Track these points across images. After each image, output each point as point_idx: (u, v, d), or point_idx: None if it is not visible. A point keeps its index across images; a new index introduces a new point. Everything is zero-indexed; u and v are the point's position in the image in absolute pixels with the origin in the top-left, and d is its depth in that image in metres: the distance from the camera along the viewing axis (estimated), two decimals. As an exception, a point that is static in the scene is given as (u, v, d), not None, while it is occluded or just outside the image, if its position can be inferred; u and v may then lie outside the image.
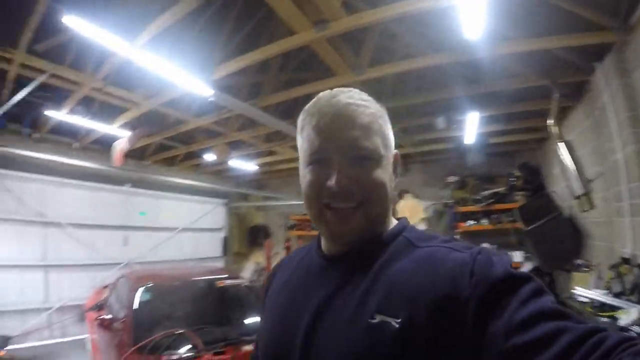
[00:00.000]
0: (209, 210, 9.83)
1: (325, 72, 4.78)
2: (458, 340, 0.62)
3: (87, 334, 5.61)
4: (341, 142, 0.75)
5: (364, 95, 0.82)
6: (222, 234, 10.28)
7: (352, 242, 0.79)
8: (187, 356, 3.17)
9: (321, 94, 0.83)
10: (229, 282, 4.49)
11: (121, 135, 5.99)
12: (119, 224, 7.66)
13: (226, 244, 10.25)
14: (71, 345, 6.18)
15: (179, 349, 3.28)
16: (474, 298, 0.63)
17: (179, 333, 3.44)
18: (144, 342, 3.35)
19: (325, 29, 3.61)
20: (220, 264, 9.63)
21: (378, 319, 0.68)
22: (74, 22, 3.18)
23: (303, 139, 0.82)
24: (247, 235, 10.68)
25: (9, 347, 5.25)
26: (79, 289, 6.68)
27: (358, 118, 0.76)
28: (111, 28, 3.36)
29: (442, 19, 3.78)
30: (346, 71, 4.41)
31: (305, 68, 6.37)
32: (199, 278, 4.45)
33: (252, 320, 3.81)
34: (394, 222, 0.85)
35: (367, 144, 0.75)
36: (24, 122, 5.93)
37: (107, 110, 5.73)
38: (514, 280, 0.65)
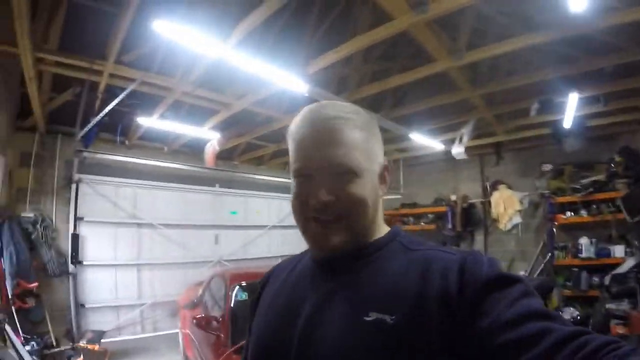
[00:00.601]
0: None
1: (415, 61, 4.52)
2: (449, 336, 0.64)
3: (178, 330, 5.81)
4: (321, 160, 0.77)
5: (349, 108, 0.82)
6: None
7: (336, 252, 0.79)
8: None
9: (306, 107, 0.84)
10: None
11: (211, 137, 6.12)
12: (209, 223, 7.87)
13: None
14: (162, 339, 6.45)
15: None
16: (464, 296, 0.65)
17: None
18: (244, 343, 3.33)
19: (424, 12, 3.36)
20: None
21: (373, 316, 0.70)
22: (163, 27, 3.17)
23: (290, 151, 0.83)
24: None
25: (103, 341, 5.54)
26: (170, 286, 6.96)
27: (338, 134, 0.77)
28: (201, 30, 3.32)
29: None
30: (444, 57, 4.12)
31: (393, 57, 6.17)
32: None
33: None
34: (386, 229, 0.86)
35: (346, 160, 0.76)
36: (116, 130, 6.25)
37: (197, 113, 5.87)
38: (503, 280, 0.67)
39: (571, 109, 5.11)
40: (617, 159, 6.20)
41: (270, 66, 3.83)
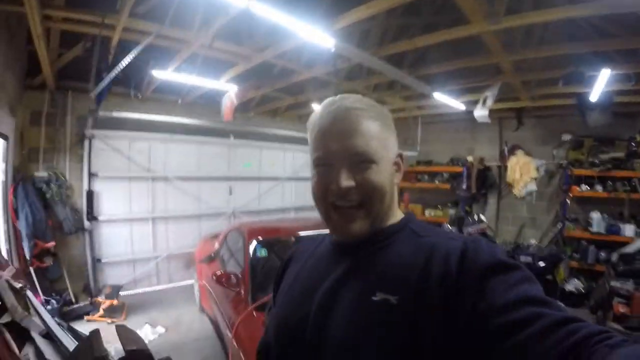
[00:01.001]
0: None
1: (439, 17, 4.20)
2: (449, 317, 0.67)
3: (194, 281, 5.95)
4: (341, 148, 0.82)
5: (366, 100, 0.88)
6: None
7: (356, 238, 0.86)
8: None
9: (326, 100, 0.90)
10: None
11: (228, 90, 5.94)
12: (223, 175, 7.84)
13: None
14: (177, 291, 6.67)
15: None
16: (463, 281, 0.69)
17: None
18: (263, 301, 3.38)
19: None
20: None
21: (379, 296, 0.76)
22: None
23: (310, 141, 0.90)
24: None
25: (120, 294, 5.71)
26: (184, 238, 7.08)
27: (357, 124, 0.83)
28: None
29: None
30: (480, 19, 3.88)
31: (416, 13, 5.88)
32: (310, 232, 4.32)
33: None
34: (400, 215, 0.92)
35: (366, 149, 0.82)
36: (129, 83, 6.04)
37: (213, 65, 5.64)
38: (502, 266, 0.70)
39: (601, 83, 4.93)
40: (639, 138, 6.07)
41: (295, 18, 3.61)
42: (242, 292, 3.75)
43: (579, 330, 0.56)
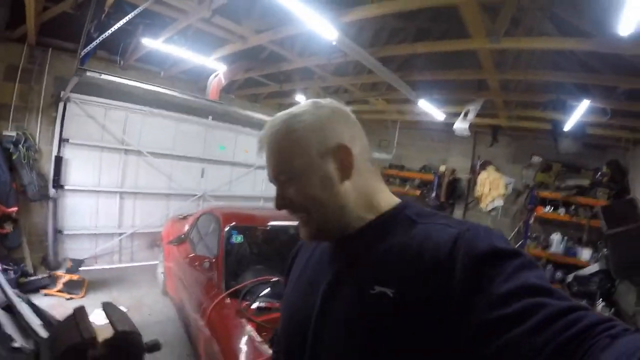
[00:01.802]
0: None
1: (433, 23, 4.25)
2: (445, 309, 0.66)
3: (159, 262, 5.77)
4: (270, 172, 0.90)
5: (277, 120, 0.90)
6: None
7: (323, 238, 0.93)
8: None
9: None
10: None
11: (215, 68, 5.77)
12: (197, 156, 7.65)
13: None
14: (139, 270, 6.41)
15: (258, 294, 3.22)
16: (459, 270, 0.67)
17: (274, 281, 3.38)
18: (238, 287, 3.33)
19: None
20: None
21: (377, 289, 0.75)
22: None
23: None
24: None
25: (80, 269, 5.44)
26: (152, 216, 6.86)
27: (272, 150, 0.88)
28: None
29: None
30: (482, 36, 3.98)
31: (411, 17, 5.90)
32: (282, 222, 4.31)
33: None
34: (394, 202, 0.90)
35: (288, 168, 0.86)
36: (114, 48, 5.75)
37: (204, 41, 5.43)
38: (499, 254, 0.67)
39: (578, 113, 5.22)
40: (605, 169, 6.57)
41: (307, 5, 3.54)
42: (215, 277, 3.66)
43: (581, 320, 0.55)
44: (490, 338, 0.60)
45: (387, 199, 0.91)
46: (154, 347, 2.04)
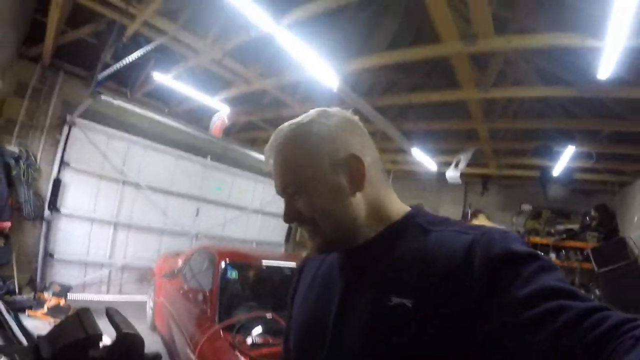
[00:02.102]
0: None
1: (427, 79, 4.53)
2: (465, 316, 0.64)
3: (149, 297, 5.66)
4: (278, 184, 0.87)
5: (285, 129, 0.88)
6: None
7: (332, 250, 0.90)
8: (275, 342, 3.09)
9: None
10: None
11: (219, 109, 5.97)
12: (193, 194, 7.71)
13: (290, 231, 10.15)
14: (127, 304, 6.22)
15: (251, 330, 3.23)
16: (476, 275, 0.65)
17: (267, 317, 3.39)
18: (232, 321, 3.32)
19: (472, 45, 3.51)
20: (281, 250, 9.66)
21: (394, 301, 0.73)
22: None
23: None
24: None
25: (68, 295, 5.30)
26: (143, 250, 6.79)
27: (280, 160, 0.86)
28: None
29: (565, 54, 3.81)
30: (471, 87, 4.29)
31: (406, 70, 6.25)
32: (276, 262, 4.37)
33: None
34: (403, 211, 0.88)
35: (297, 178, 0.84)
36: (125, 81, 5.95)
37: (211, 80, 5.68)
38: (516, 257, 0.66)
39: (564, 159, 5.49)
40: (593, 213, 6.78)
41: (309, 52, 3.77)
42: (209, 310, 3.65)
43: (605, 321, 0.53)
44: (513, 342, 0.59)
45: (398, 208, 0.88)
46: (156, 357, 2.02)
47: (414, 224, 0.82)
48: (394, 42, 4.76)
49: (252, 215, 8.82)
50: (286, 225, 10.02)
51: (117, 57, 4.63)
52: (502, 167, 7.09)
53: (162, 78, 5.24)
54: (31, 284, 5.49)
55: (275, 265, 4.32)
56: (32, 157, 5.43)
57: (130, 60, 4.57)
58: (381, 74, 5.90)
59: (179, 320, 4.05)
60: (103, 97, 4.72)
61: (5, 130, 5.29)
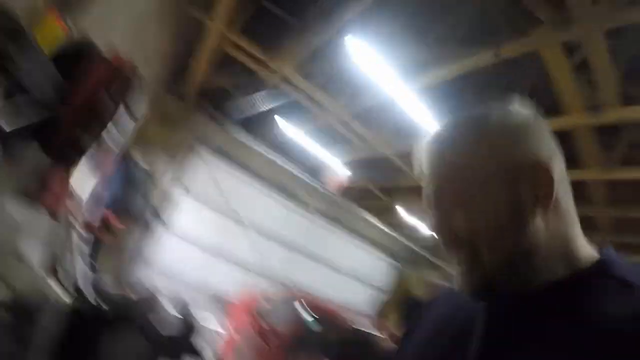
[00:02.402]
0: (378, 266, 9.68)
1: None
2: None
3: (218, 326, 5.74)
4: (429, 191, 0.69)
5: (480, 112, 0.68)
6: (379, 294, 9.82)
7: (493, 289, 0.63)
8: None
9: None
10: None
11: (338, 169, 6.15)
12: (292, 244, 7.95)
13: (381, 307, 9.82)
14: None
15: None
16: None
17: None
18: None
19: (597, 115, 3.28)
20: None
21: None
22: (354, 45, 3.20)
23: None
24: (404, 305, 9.60)
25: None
26: (229, 284, 6.95)
27: (451, 153, 0.67)
28: (390, 62, 3.37)
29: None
30: (594, 165, 3.92)
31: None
32: (361, 329, 4.29)
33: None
34: (591, 256, 0.62)
35: (462, 185, 0.64)
36: (254, 128, 6.45)
37: (336, 142, 5.90)
38: None
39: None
40: None
41: (434, 119, 3.75)
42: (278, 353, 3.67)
43: None
44: None
45: (586, 249, 0.64)
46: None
47: (610, 277, 0.59)
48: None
49: (345, 279, 8.72)
50: (376, 298, 9.76)
51: (252, 105, 5.04)
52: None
53: (292, 131, 5.62)
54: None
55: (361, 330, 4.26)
56: (155, 175, 5.93)
57: (264, 109, 4.94)
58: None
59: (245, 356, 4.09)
60: (233, 136, 5.03)
61: (140, 149, 5.72)
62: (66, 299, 1.66)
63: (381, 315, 9.63)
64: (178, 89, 6.13)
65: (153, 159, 6.00)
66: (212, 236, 7.00)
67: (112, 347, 1.59)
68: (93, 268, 4.00)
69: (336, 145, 5.97)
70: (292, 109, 5.59)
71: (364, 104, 4.45)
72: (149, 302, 2.83)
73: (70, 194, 2.93)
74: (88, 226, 3.58)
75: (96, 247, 4.78)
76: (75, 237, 2.79)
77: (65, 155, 2.43)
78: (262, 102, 4.96)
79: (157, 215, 6.08)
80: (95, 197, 4.53)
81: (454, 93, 4.31)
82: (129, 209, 5.53)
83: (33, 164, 2.19)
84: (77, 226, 2.97)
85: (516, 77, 4.87)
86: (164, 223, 6.27)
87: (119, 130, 2.84)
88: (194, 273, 6.86)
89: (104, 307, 2.01)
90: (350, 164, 6.06)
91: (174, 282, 6.61)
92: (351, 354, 3.93)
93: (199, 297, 6.85)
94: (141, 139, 5.74)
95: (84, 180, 4.20)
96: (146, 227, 5.96)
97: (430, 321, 0.78)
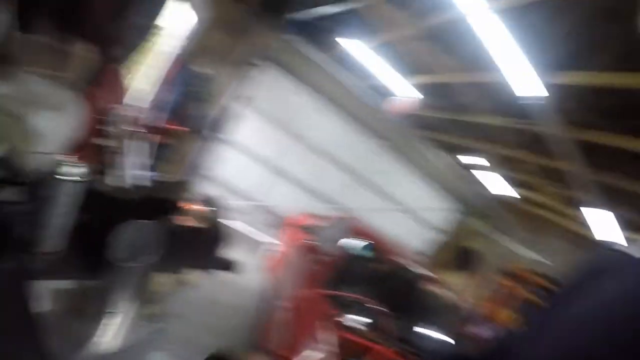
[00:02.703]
0: (438, 207, 9.24)
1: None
2: None
3: (268, 241, 5.92)
4: None
5: None
6: (434, 235, 9.53)
7: None
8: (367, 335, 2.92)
9: None
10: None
11: (404, 92, 5.74)
12: (350, 169, 7.78)
13: (435, 250, 9.60)
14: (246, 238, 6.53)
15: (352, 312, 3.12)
16: None
17: (379, 310, 3.27)
18: (338, 293, 3.29)
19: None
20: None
21: None
22: None
23: None
24: (458, 255, 9.58)
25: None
26: (285, 200, 7.13)
27: None
28: None
29: None
30: None
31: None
32: (410, 268, 4.15)
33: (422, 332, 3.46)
34: None
35: None
36: (315, 38, 6.12)
37: (404, 63, 5.46)
38: None
39: None
40: None
41: (515, 50, 3.24)
42: (323, 274, 3.67)
43: None
44: None
45: None
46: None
47: None
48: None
49: (401, 214, 8.46)
50: (433, 237, 9.52)
51: (316, 17, 4.68)
52: None
53: (356, 45, 5.21)
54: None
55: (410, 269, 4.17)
56: (212, 83, 5.80)
57: (328, 23, 4.61)
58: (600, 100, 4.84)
59: (292, 270, 4.15)
60: (297, 50, 4.82)
61: (202, 58, 5.65)
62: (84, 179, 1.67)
63: (433, 259, 9.37)
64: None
65: (215, 68, 5.83)
66: (271, 152, 7.00)
67: (129, 233, 1.58)
68: (147, 168, 4.15)
69: (404, 67, 5.47)
70: (356, 23, 5.11)
71: (436, 21, 3.97)
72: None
73: (123, 92, 2.93)
74: (147, 128, 3.65)
75: (154, 150, 4.93)
76: (127, 135, 2.83)
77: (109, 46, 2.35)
78: (326, 14, 4.56)
79: (217, 126, 6.10)
80: (156, 102, 4.62)
81: (542, 18, 3.62)
82: (189, 118, 5.54)
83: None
84: (130, 126, 2.99)
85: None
86: (223, 135, 6.30)
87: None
88: (250, 187, 7.03)
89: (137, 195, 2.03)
90: (420, 89, 5.58)
91: (230, 195, 6.83)
92: (395, 291, 3.84)
93: (254, 211, 7.10)
94: (203, 47, 5.59)
95: (145, 85, 4.30)
96: (205, 137, 6.01)
97: (597, 293, 0.67)
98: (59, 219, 1.39)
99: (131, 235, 1.64)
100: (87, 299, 1.59)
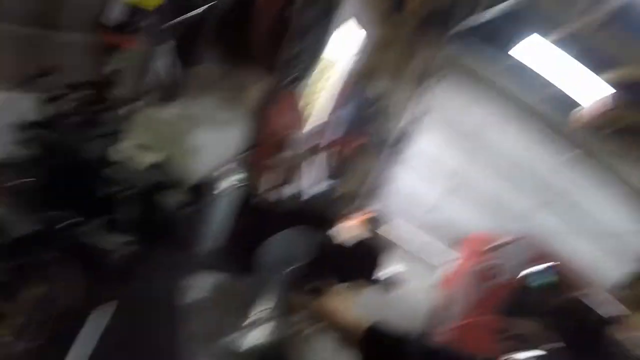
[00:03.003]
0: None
1: None
2: None
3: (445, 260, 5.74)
4: None
5: None
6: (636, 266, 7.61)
7: None
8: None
9: None
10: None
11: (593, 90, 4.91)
12: (539, 185, 6.90)
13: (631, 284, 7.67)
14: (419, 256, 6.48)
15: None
16: None
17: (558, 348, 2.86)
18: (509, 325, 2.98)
19: None
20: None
21: None
22: None
23: None
24: None
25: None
26: (464, 218, 6.87)
27: None
28: None
29: None
30: None
31: None
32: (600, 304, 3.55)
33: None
34: None
35: None
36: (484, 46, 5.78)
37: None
38: None
39: None
40: None
41: None
42: (494, 300, 3.48)
43: None
44: None
45: None
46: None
47: None
48: None
49: (597, 238, 6.91)
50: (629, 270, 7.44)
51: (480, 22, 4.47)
52: None
53: (536, 42, 4.67)
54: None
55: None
56: (387, 99, 5.88)
57: (493, 26, 4.33)
58: None
59: (465, 292, 4.04)
60: (467, 58, 4.66)
61: (370, 74, 5.72)
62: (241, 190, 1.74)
63: (629, 293, 7.19)
64: (401, 12, 5.61)
65: (388, 85, 5.97)
66: (450, 167, 6.82)
67: (281, 242, 1.77)
68: (323, 183, 4.56)
69: (591, 62, 4.59)
70: (532, 18, 4.52)
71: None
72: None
73: (300, 115, 3.26)
74: (324, 147, 4.05)
75: (332, 166, 5.10)
76: (303, 154, 3.17)
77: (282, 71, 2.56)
78: (490, 17, 4.20)
79: (396, 141, 6.27)
80: (332, 121, 4.92)
81: None
82: (367, 134, 5.84)
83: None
84: (308, 145, 3.33)
85: None
86: (403, 149, 6.46)
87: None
88: (432, 201, 6.98)
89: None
90: (614, 87, 4.50)
91: (410, 209, 6.94)
92: (579, 329, 3.30)
93: (433, 227, 6.99)
94: (374, 66, 5.78)
95: (321, 106, 4.71)
96: (384, 152, 6.22)
97: None
98: (218, 222, 1.62)
99: (283, 244, 1.84)
100: (234, 297, 1.81)
